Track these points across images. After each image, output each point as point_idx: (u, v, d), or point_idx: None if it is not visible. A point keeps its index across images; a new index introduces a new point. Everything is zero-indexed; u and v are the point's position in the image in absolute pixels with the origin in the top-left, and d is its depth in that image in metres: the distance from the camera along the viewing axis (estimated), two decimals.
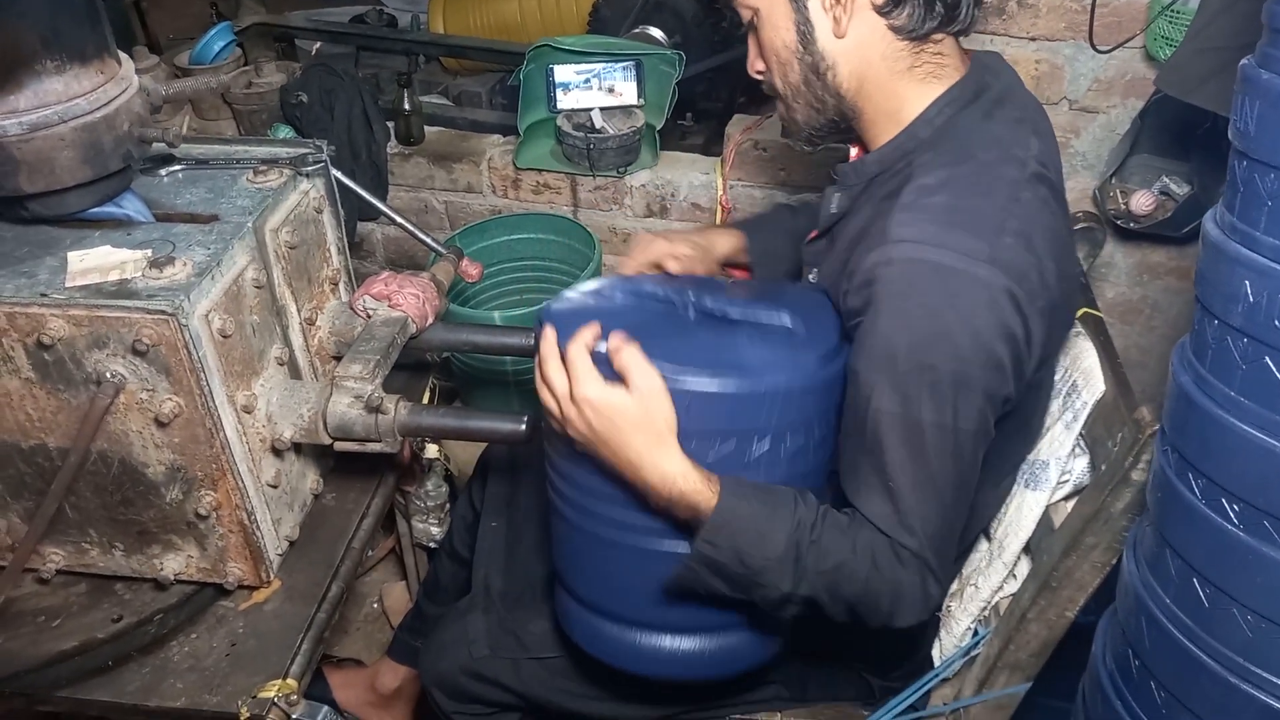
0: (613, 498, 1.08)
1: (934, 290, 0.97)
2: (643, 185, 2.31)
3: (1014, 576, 1.25)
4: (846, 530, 1.03)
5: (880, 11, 1.06)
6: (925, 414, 0.98)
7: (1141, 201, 1.97)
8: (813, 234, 1.26)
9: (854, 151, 1.23)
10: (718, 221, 2.30)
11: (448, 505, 1.73)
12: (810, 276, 1.26)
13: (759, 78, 1.20)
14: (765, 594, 1.04)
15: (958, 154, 1.05)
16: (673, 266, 1.36)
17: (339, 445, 1.17)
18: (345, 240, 1.36)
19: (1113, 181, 2.02)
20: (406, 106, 2.39)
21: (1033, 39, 1.99)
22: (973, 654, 1.29)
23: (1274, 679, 0.83)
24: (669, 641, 1.16)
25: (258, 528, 1.14)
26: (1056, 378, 1.22)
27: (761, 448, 1.05)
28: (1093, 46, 1.93)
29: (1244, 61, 0.79)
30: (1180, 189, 1.95)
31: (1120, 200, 2.01)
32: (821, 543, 1.02)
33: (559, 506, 1.17)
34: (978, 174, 1.03)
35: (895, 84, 1.10)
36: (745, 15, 1.15)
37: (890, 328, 0.99)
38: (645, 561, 1.11)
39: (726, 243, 1.47)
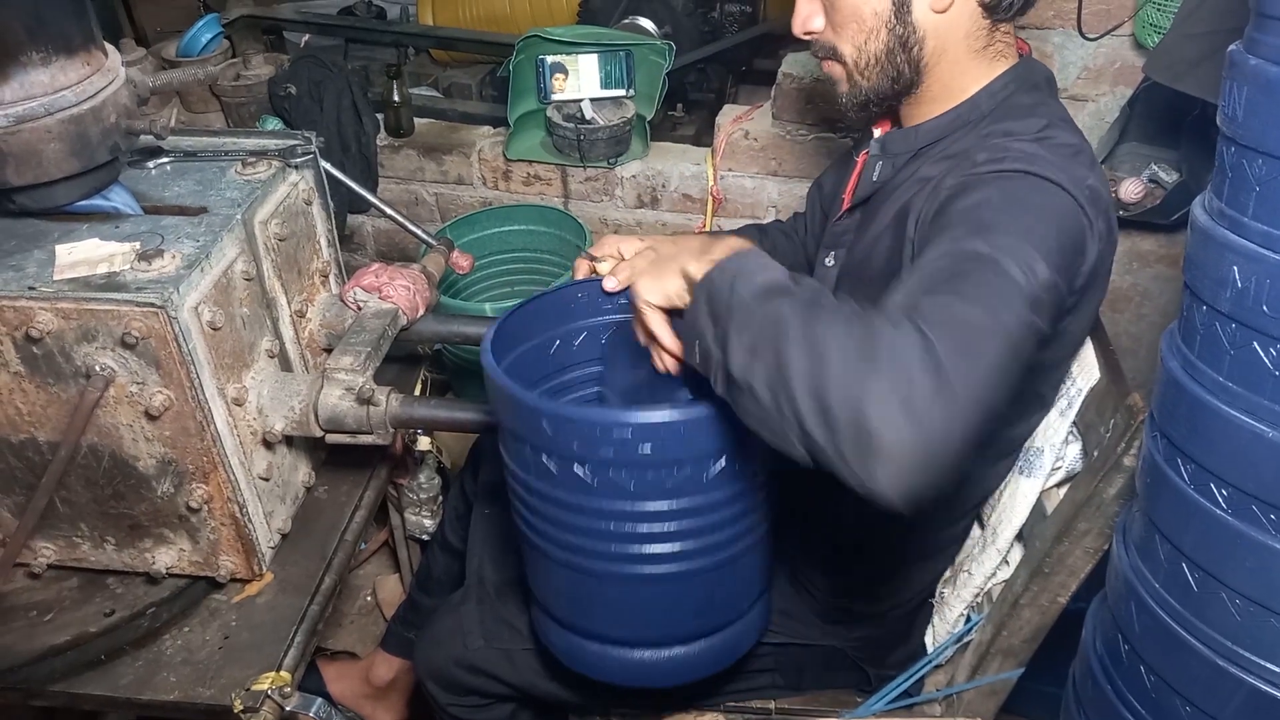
0: (578, 528, 1.03)
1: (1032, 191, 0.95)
2: (633, 176, 2.31)
3: (1007, 563, 1.26)
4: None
5: None
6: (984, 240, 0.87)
7: (1131, 189, 1.98)
8: (845, 206, 1.24)
9: (877, 130, 1.21)
10: (709, 212, 2.31)
11: (440, 498, 1.72)
12: (827, 261, 1.24)
13: (809, 38, 1.14)
14: (735, 338, 0.83)
15: (1031, 122, 1.04)
16: None
17: (331, 437, 1.17)
18: (335, 232, 1.36)
19: (1102, 170, 2.03)
20: (396, 98, 2.38)
21: (1021, 27, 1.98)
22: (966, 640, 1.29)
23: (1262, 662, 0.84)
24: (649, 655, 1.14)
25: (249, 520, 1.14)
26: None
27: (718, 466, 0.99)
28: (1081, 34, 1.93)
29: (1232, 47, 0.79)
30: (1169, 176, 1.96)
31: (1110, 188, 2.02)
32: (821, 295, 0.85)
33: (526, 534, 1.11)
34: (1054, 139, 1.02)
35: (967, 62, 1.09)
36: None
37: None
38: (612, 584, 1.07)
39: None
